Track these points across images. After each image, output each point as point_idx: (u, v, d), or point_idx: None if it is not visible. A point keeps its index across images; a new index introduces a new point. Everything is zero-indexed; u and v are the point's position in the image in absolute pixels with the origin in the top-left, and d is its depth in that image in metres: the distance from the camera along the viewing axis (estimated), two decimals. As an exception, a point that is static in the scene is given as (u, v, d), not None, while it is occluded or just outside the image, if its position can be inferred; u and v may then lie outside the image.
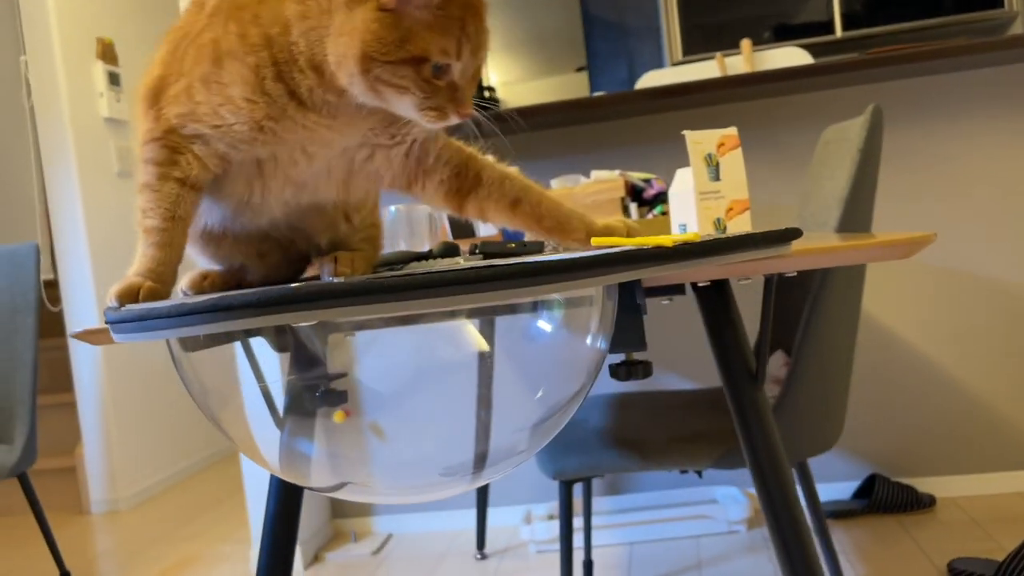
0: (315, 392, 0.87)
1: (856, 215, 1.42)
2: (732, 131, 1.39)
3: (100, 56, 3.43)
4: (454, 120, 0.73)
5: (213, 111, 0.73)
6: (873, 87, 2.28)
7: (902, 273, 2.31)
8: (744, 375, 1.02)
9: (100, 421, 3.24)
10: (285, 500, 1.01)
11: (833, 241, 0.91)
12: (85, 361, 3.25)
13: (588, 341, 0.76)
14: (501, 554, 2.29)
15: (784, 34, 3.72)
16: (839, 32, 3.67)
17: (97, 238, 3.29)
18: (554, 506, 2.46)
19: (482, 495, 2.29)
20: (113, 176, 3.46)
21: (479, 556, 2.28)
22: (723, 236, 0.74)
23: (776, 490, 1.02)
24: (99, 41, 3.44)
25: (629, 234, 0.77)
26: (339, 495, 0.78)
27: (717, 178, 1.38)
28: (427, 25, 0.69)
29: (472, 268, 0.63)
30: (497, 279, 0.62)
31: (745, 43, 2.72)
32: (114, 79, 3.49)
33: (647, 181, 1.87)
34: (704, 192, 1.39)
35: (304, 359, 0.90)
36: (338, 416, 0.93)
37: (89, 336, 0.86)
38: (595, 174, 1.86)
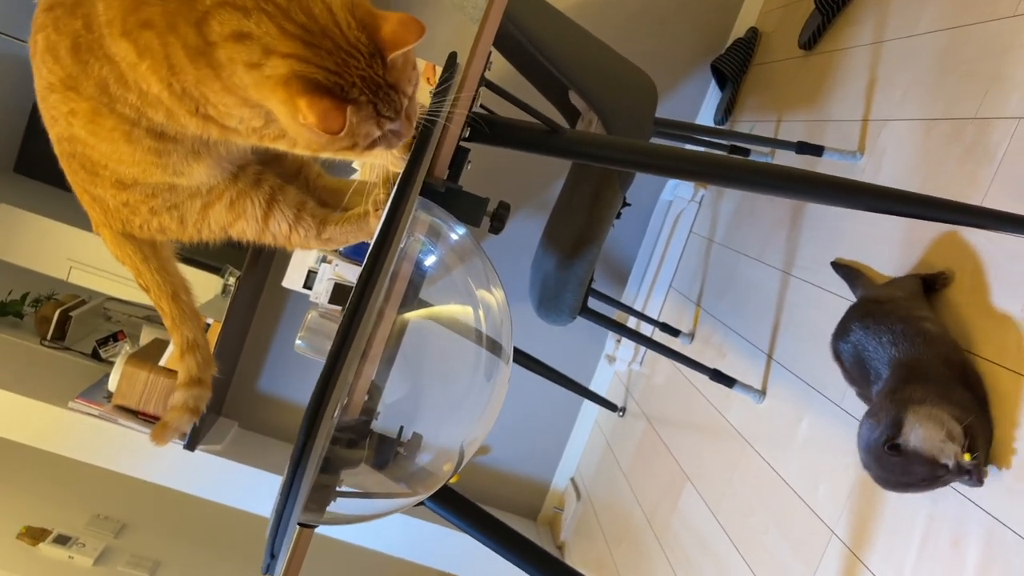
0: (399, 445, 1.08)
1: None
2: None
3: None
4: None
5: None
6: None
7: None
8: (545, 139, 1.23)
9: None
10: (466, 513, 1.20)
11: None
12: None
13: (453, 237, 0.98)
14: (628, 395, 2.56)
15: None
16: None
17: None
18: (608, 333, 2.72)
19: (577, 387, 2.53)
20: None
21: (620, 413, 2.54)
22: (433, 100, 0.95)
23: (653, 159, 1.22)
24: None
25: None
26: (468, 453, 0.99)
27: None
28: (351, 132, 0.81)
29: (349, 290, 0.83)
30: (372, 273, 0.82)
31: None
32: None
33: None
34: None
35: (374, 458, 1.10)
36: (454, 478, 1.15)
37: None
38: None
